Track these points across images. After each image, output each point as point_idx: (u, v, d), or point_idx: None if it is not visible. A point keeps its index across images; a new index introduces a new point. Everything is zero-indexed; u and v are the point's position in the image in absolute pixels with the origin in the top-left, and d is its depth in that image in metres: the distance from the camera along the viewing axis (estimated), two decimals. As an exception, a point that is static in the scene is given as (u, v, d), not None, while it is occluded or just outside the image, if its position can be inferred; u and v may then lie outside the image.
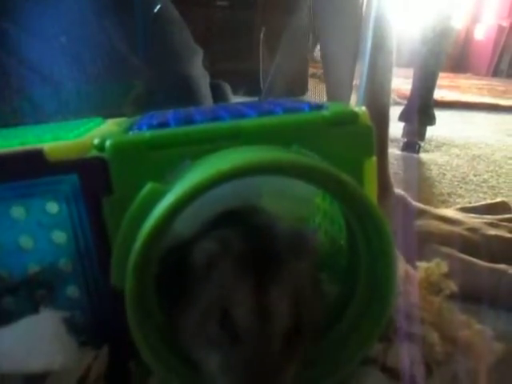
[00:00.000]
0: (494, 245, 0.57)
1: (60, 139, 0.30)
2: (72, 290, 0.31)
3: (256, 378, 0.24)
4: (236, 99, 0.99)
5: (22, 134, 0.36)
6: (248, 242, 0.28)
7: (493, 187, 0.96)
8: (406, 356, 0.33)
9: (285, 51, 1.08)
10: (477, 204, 0.74)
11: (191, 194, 0.25)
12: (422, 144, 1.27)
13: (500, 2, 3.87)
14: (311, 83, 1.27)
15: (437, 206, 0.75)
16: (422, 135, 1.28)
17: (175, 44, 0.72)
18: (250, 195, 0.34)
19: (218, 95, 0.84)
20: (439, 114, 1.30)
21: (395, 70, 0.67)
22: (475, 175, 1.05)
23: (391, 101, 0.68)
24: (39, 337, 0.27)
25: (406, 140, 1.26)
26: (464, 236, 0.58)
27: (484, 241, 0.57)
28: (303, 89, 1.20)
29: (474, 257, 0.54)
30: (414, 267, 0.41)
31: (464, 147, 1.33)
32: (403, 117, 1.28)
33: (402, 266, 0.41)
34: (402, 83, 1.69)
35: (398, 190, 0.64)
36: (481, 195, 0.91)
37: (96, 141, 0.29)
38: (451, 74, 3.28)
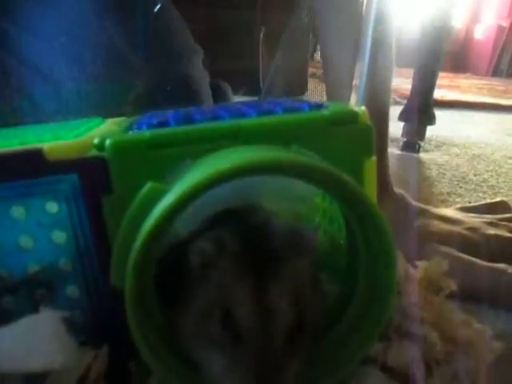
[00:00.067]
0: (494, 244, 0.57)
1: (60, 139, 0.30)
2: (72, 290, 0.31)
3: (260, 377, 0.24)
4: (236, 99, 0.99)
5: (21, 133, 0.36)
6: (244, 241, 0.28)
7: (492, 187, 0.96)
8: (405, 355, 0.33)
9: (284, 51, 1.08)
10: (476, 203, 0.74)
11: (191, 193, 0.25)
12: (422, 144, 1.27)
13: (500, 2, 3.87)
14: (311, 83, 1.27)
15: (436, 206, 0.75)
16: (421, 135, 1.28)
17: (175, 44, 0.72)
18: (249, 195, 0.34)
19: (218, 95, 0.84)
20: (439, 114, 1.30)
21: (395, 70, 0.67)
22: (475, 175, 1.05)
23: (391, 100, 0.68)
24: (39, 336, 0.27)
25: (405, 140, 1.26)
26: (464, 235, 0.58)
27: (484, 240, 0.58)
28: (303, 88, 1.20)
29: (473, 256, 0.54)
30: (414, 266, 0.41)
31: (464, 147, 1.33)
32: (403, 116, 1.28)
33: (401, 266, 0.41)
34: (401, 83, 1.70)
35: (398, 190, 0.64)
36: (480, 195, 0.91)
37: (96, 140, 0.29)
38: (451, 74, 3.28)
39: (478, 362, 0.33)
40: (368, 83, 0.64)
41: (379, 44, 0.63)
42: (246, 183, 0.28)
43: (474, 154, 1.24)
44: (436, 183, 0.97)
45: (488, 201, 0.77)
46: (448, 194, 0.90)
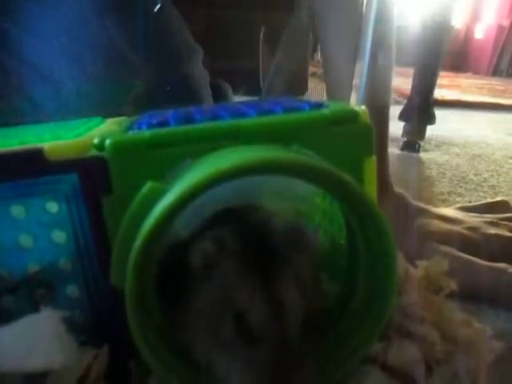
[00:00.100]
0: (494, 244, 0.57)
1: (60, 138, 0.30)
2: (72, 290, 0.31)
3: (278, 376, 0.24)
4: (236, 99, 0.99)
5: (21, 133, 0.36)
6: (245, 239, 0.28)
7: (493, 186, 0.96)
8: (406, 355, 0.33)
9: (284, 50, 1.08)
10: (477, 203, 0.74)
11: (191, 193, 0.25)
12: (422, 143, 1.27)
13: (500, 2, 3.87)
14: (311, 82, 1.27)
15: (437, 205, 0.75)
16: (421, 134, 1.28)
17: (175, 43, 0.72)
18: (249, 195, 0.34)
19: (218, 95, 0.84)
20: (439, 114, 1.30)
21: (395, 69, 0.67)
22: (475, 174, 1.05)
23: (391, 100, 0.68)
24: (39, 336, 0.27)
25: (405, 139, 1.26)
26: (464, 235, 0.58)
27: (484, 240, 0.57)
28: (303, 88, 1.20)
29: (473, 256, 0.54)
30: (414, 266, 0.41)
31: (464, 146, 1.33)
32: (403, 116, 1.29)
33: (401, 265, 0.41)
34: (402, 82, 1.69)
35: (398, 190, 0.64)
36: (481, 194, 0.91)
37: (96, 140, 0.29)
38: (451, 74, 3.28)
39: (478, 362, 0.33)
40: (368, 83, 0.64)
41: (379, 43, 0.63)
42: (246, 183, 0.28)
43: (474, 154, 1.24)
44: (436, 183, 0.97)
45: (488, 200, 0.77)
46: (448, 193, 0.90)
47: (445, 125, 1.54)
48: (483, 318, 0.38)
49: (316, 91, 1.34)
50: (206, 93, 0.76)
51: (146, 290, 0.28)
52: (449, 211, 0.66)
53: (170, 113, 0.36)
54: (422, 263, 0.41)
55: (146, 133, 0.29)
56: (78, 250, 0.30)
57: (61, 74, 0.57)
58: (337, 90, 0.79)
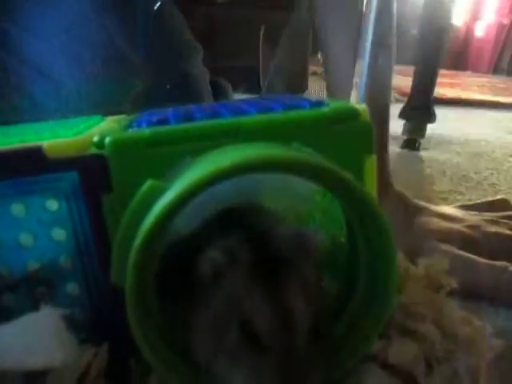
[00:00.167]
0: (494, 242, 0.57)
1: (59, 137, 0.30)
2: (72, 287, 0.31)
3: (290, 382, 0.24)
4: (236, 97, 0.99)
5: (21, 131, 0.36)
6: (252, 248, 0.28)
7: (493, 185, 0.96)
8: (406, 353, 0.33)
9: (284, 49, 1.08)
10: (477, 201, 0.74)
11: (191, 191, 0.25)
12: (422, 142, 1.27)
13: (500, 0, 3.86)
14: (311, 81, 1.27)
15: (437, 204, 0.75)
16: (422, 133, 1.28)
17: (175, 42, 0.72)
18: (249, 192, 0.34)
19: (218, 93, 0.84)
20: (439, 112, 1.30)
21: (395, 68, 0.67)
22: (475, 173, 1.05)
23: (391, 98, 0.68)
24: (39, 334, 0.27)
25: (406, 137, 1.26)
26: (464, 233, 0.58)
27: (484, 238, 0.57)
28: (303, 87, 1.20)
29: (474, 254, 0.54)
30: (415, 264, 0.41)
31: (464, 145, 1.33)
32: (403, 114, 1.29)
33: (402, 264, 0.41)
34: (402, 81, 1.69)
35: (398, 188, 0.64)
36: (481, 193, 0.91)
37: (95, 138, 0.29)
38: (452, 72, 3.27)
39: (479, 360, 0.33)
40: (368, 81, 0.64)
41: (379, 42, 0.63)
42: (246, 180, 0.28)
43: (474, 152, 1.24)
44: (436, 181, 0.97)
45: (488, 199, 0.77)
46: (448, 191, 0.90)
47: (445, 123, 1.54)
48: (483, 316, 0.38)
49: (316, 90, 1.34)
50: (206, 91, 0.76)
51: (146, 288, 0.28)
52: (449, 209, 0.66)
53: (169, 111, 0.36)
54: (423, 261, 0.41)
55: (146, 131, 0.29)
56: (78, 247, 0.30)
57: (61, 72, 0.57)
58: (337, 88, 0.79)
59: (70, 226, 0.30)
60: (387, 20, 0.63)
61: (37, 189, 0.29)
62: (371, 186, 0.33)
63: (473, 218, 0.62)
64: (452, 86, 2.61)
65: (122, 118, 0.39)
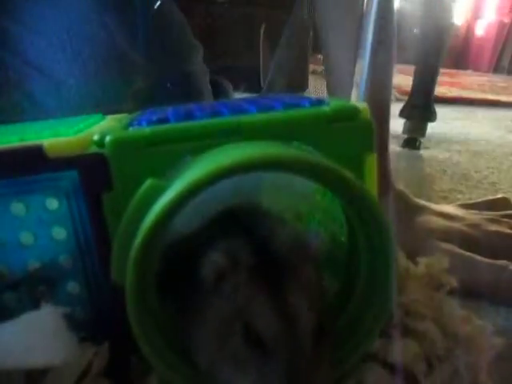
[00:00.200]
0: (495, 241, 0.57)
1: (60, 135, 0.30)
2: (72, 286, 0.31)
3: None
4: (236, 95, 0.99)
5: (21, 130, 0.36)
6: (253, 251, 0.28)
7: (493, 183, 0.96)
8: (406, 352, 0.33)
9: (285, 48, 1.07)
10: (477, 200, 0.74)
11: (191, 190, 0.25)
12: (423, 140, 1.27)
13: (501, -1, 3.86)
14: (311, 80, 1.27)
15: (437, 203, 0.75)
16: (422, 132, 1.28)
17: (175, 40, 0.71)
18: (249, 191, 0.34)
19: (218, 92, 0.84)
20: (440, 111, 1.30)
21: (396, 67, 0.66)
22: (476, 171, 1.05)
23: (392, 97, 0.68)
24: (40, 333, 0.27)
25: (406, 136, 1.26)
26: (464, 232, 0.58)
27: (484, 237, 0.57)
28: (303, 85, 1.19)
29: (474, 253, 0.54)
30: (415, 263, 0.41)
31: (465, 143, 1.33)
32: (404, 113, 1.28)
33: (402, 262, 0.41)
34: (402, 80, 1.69)
35: (399, 187, 0.64)
36: (481, 191, 0.90)
37: (96, 137, 0.29)
38: (452, 71, 3.27)
39: (479, 358, 0.33)
40: (369, 80, 0.64)
41: (380, 41, 0.63)
42: (246, 179, 0.28)
43: (474, 151, 1.24)
44: (437, 180, 0.97)
45: (489, 197, 0.76)
46: (449, 190, 0.90)
47: (446, 122, 1.54)
48: (483, 315, 0.38)
49: (316, 89, 1.34)
50: (207, 90, 0.76)
51: (146, 287, 0.28)
52: (449, 208, 0.66)
53: (170, 110, 0.36)
54: (423, 260, 0.41)
55: (146, 129, 0.29)
56: (79, 246, 0.30)
57: (61, 71, 0.57)
58: (337, 87, 0.78)
59: (70, 225, 0.30)
60: (388, 19, 0.63)
61: (37, 188, 0.29)
62: (371, 185, 0.33)
63: (473, 216, 0.62)
64: (452, 84, 2.61)
65: (122, 117, 0.39)
